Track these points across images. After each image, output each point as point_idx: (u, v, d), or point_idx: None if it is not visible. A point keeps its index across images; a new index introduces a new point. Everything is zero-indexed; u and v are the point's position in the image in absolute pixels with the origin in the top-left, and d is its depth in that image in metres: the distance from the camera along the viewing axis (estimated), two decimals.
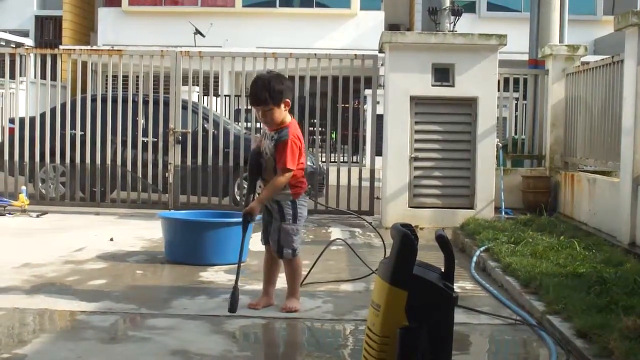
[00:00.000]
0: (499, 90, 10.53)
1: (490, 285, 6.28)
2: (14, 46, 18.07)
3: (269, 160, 5.30)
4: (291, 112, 5.57)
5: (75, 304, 5.45)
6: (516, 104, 12.47)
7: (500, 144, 10.57)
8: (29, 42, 23.21)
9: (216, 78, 11.06)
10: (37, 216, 10.04)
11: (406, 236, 3.40)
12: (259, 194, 5.43)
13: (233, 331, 4.99)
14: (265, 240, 5.52)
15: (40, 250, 7.47)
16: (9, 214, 10.11)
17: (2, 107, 12.61)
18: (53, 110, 11.13)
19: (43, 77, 11.41)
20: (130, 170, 10.97)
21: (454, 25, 11.15)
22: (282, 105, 5.18)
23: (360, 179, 10.91)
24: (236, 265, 5.30)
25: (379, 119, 10.87)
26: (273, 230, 5.37)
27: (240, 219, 5.37)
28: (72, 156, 10.95)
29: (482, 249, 7.41)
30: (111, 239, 8.24)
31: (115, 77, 10.94)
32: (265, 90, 5.13)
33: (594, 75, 9.78)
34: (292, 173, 5.20)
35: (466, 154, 9.90)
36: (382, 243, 6.64)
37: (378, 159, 10.80)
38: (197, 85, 11.36)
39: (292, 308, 5.33)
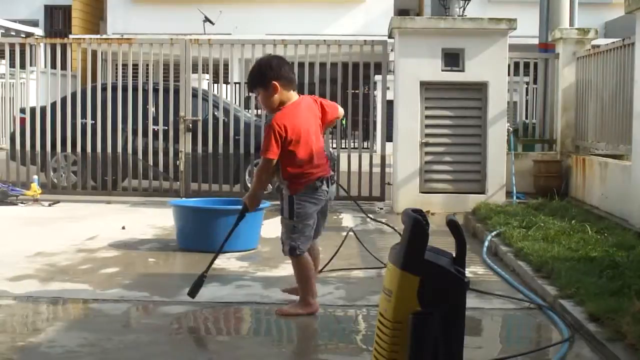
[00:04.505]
0: (509, 75, 10.48)
1: (502, 270, 6.28)
2: (24, 36, 18.11)
3: None
4: None
5: (88, 292, 5.48)
6: (527, 88, 12.43)
7: (511, 129, 10.53)
8: (38, 31, 23.22)
9: (226, 65, 11.04)
10: (49, 205, 10.08)
11: (417, 221, 3.39)
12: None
13: (246, 317, 5.01)
14: None
15: (53, 239, 7.50)
16: (22, 203, 10.16)
17: (13, 97, 12.64)
18: (64, 100, 11.14)
19: (53, 66, 11.43)
20: (141, 158, 10.99)
21: (464, 9, 11.09)
22: (270, 89, 4.91)
23: (371, 164, 10.90)
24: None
25: (389, 105, 10.86)
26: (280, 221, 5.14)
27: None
28: (84, 145, 10.98)
29: (493, 233, 7.41)
30: (123, 228, 8.26)
31: (125, 65, 10.97)
32: (253, 73, 5.06)
33: (605, 58, 9.72)
34: (271, 162, 4.81)
35: (477, 139, 9.87)
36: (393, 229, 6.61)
37: (388, 145, 10.78)
38: (207, 73, 11.35)
39: (284, 311, 4.96)
